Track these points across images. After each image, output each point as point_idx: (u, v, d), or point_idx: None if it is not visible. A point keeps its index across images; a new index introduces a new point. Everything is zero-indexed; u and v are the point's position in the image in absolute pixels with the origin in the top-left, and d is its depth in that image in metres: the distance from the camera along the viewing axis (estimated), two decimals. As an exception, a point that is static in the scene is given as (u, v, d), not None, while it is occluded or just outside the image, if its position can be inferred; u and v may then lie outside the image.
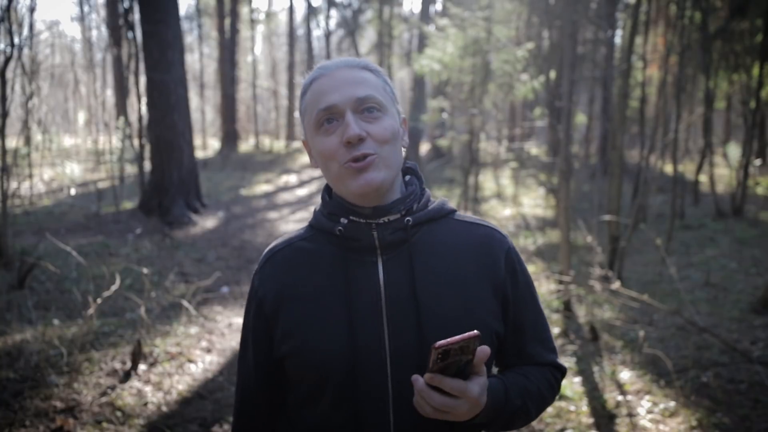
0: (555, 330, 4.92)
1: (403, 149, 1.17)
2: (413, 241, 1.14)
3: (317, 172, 18.32)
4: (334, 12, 27.11)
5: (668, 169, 13.57)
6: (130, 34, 11.13)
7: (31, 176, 10.92)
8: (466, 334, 0.91)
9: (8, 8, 6.51)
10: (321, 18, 28.20)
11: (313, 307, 1.12)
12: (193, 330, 4.81)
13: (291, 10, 28.79)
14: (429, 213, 1.16)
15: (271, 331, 1.16)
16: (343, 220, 1.13)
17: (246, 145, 26.34)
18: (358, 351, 1.08)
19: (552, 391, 1.22)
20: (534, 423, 3.42)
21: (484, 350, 0.95)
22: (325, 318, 1.11)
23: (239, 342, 1.26)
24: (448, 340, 0.90)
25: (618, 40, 16.40)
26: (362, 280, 1.12)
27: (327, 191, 1.21)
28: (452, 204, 1.23)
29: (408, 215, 1.14)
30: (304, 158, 22.28)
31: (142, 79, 10.32)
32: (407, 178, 1.22)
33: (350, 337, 1.08)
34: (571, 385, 3.88)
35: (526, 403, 1.14)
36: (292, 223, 10.18)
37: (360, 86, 1.10)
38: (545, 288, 6.10)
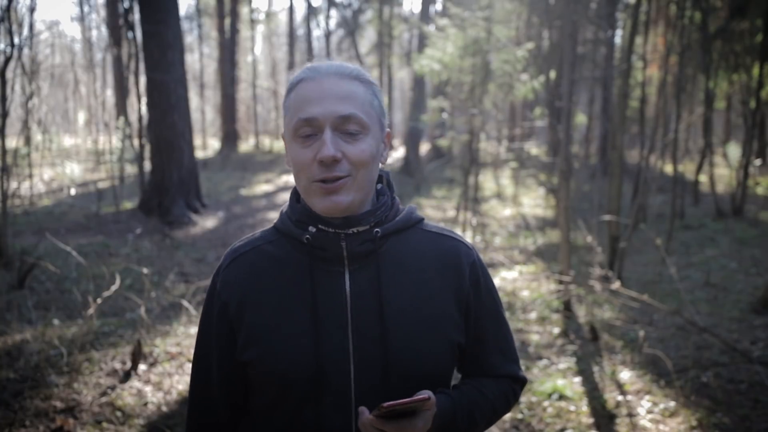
0: (555, 330, 4.92)
1: (380, 165, 1.15)
2: (380, 252, 1.13)
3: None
4: (334, 12, 27.10)
5: (668, 169, 13.57)
6: (130, 34, 11.13)
7: (31, 176, 10.93)
8: (416, 398, 0.92)
9: (8, 8, 6.51)
10: (321, 18, 28.19)
11: (278, 315, 1.11)
12: (193, 330, 4.81)
13: (291, 10, 28.80)
14: (397, 224, 1.16)
15: (234, 334, 1.14)
16: (312, 229, 1.11)
17: (246, 145, 26.35)
18: (322, 360, 1.08)
19: (507, 404, 1.24)
20: (534, 423, 3.42)
21: (432, 402, 0.99)
22: (290, 326, 1.10)
23: (196, 342, 1.23)
24: (398, 402, 0.91)
25: (618, 40, 16.40)
26: (329, 289, 1.11)
27: (296, 195, 1.20)
28: (420, 212, 1.23)
29: (377, 226, 1.13)
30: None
31: (142, 79, 10.32)
32: (379, 186, 1.20)
33: (315, 347, 1.08)
34: (571, 385, 3.88)
35: (475, 417, 1.16)
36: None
37: (345, 102, 1.07)
38: (545, 288, 6.10)
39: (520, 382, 1.27)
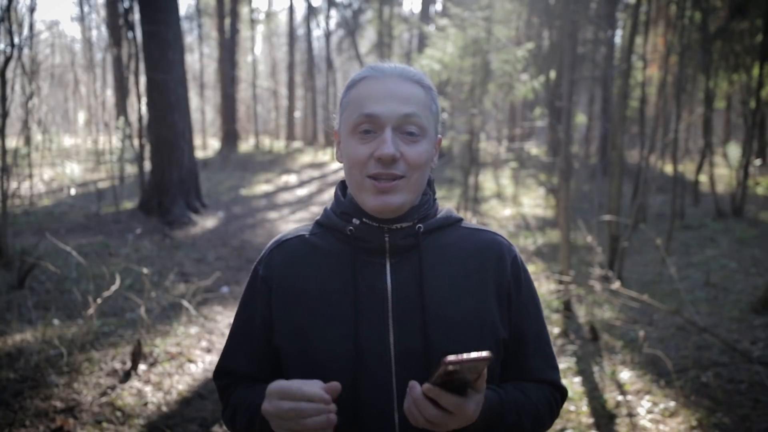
0: (555, 330, 4.92)
1: (430, 169, 1.17)
2: (422, 246, 1.14)
3: (317, 172, 18.32)
4: (334, 12, 27.13)
5: (668, 169, 13.57)
6: (130, 34, 11.13)
7: (31, 176, 10.93)
8: (480, 355, 0.86)
9: (8, 8, 6.51)
10: (321, 18, 28.21)
11: (319, 306, 1.12)
12: (193, 330, 4.81)
13: (291, 10, 28.80)
14: (438, 221, 1.17)
15: (274, 318, 1.16)
16: (356, 221, 1.13)
17: (246, 145, 26.34)
18: (361, 352, 1.08)
19: (551, 414, 1.19)
20: (534, 423, 3.42)
21: (484, 375, 0.95)
22: (331, 317, 1.11)
23: (235, 328, 1.23)
24: (461, 357, 0.86)
25: (618, 40, 16.40)
26: (370, 280, 1.12)
27: (341, 188, 1.21)
28: (455, 210, 1.23)
29: (420, 222, 1.14)
30: (304, 158, 22.28)
31: (142, 79, 10.32)
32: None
33: (354, 337, 1.08)
34: (571, 385, 3.88)
35: (521, 420, 1.11)
36: (292, 223, 10.17)
37: (407, 104, 1.09)
38: (545, 288, 6.10)
39: (561, 392, 1.23)
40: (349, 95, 1.13)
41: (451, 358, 0.86)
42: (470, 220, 8.95)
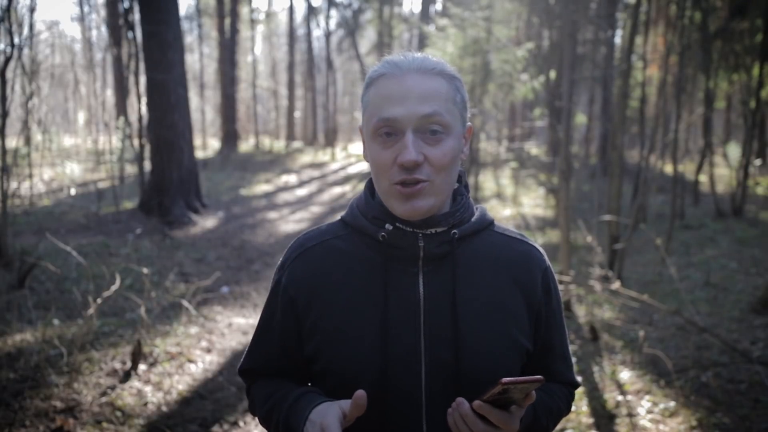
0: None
1: (460, 163, 1.13)
2: (455, 254, 1.12)
3: (317, 172, 18.32)
4: (334, 12, 27.14)
5: (668, 169, 13.57)
6: (130, 34, 11.12)
7: (31, 176, 10.92)
8: (534, 378, 0.92)
9: (8, 8, 6.51)
10: (321, 18, 28.23)
11: (347, 314, 1.10)
12: (193, 330, 4.81)
13: (291, 10, 28.81)
14: (473, 226, 1.14)
15: (302, 330, 1.14)
16: (388, 226, 1.09)
17: (246, 145, 26.35)
18: (391, 362, 1.06)
19: (568, 408, 1.26)
20: (534, 423, 3.42)
21: (532, 396, 0.97)
22: (360, 327, 1.08)
23: (257, 332, 1.23)
24: (517, 378, 0.92)
25: (618, 40, 16.41)
26: (401, 289, 1.09)
27: (370, 190, 1.18)
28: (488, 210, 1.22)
29: (455, 227, 1.11)
30: (304, 158, 22.28)
31: (142, 79, 10.32)
32: (456, 186, 1.18)
33: (383, 348, 1.07)
34: (571, 385, 3.87)
35: (548, 423, 1.18)
36: (292, 223, 10.17)
37: (428, 102, 1.03)
38: (545, 288, 6.09)
39: (576, 387, 1.29)
40: (368, 94, 1.09)
41: (508, 379, 0.91)
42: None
